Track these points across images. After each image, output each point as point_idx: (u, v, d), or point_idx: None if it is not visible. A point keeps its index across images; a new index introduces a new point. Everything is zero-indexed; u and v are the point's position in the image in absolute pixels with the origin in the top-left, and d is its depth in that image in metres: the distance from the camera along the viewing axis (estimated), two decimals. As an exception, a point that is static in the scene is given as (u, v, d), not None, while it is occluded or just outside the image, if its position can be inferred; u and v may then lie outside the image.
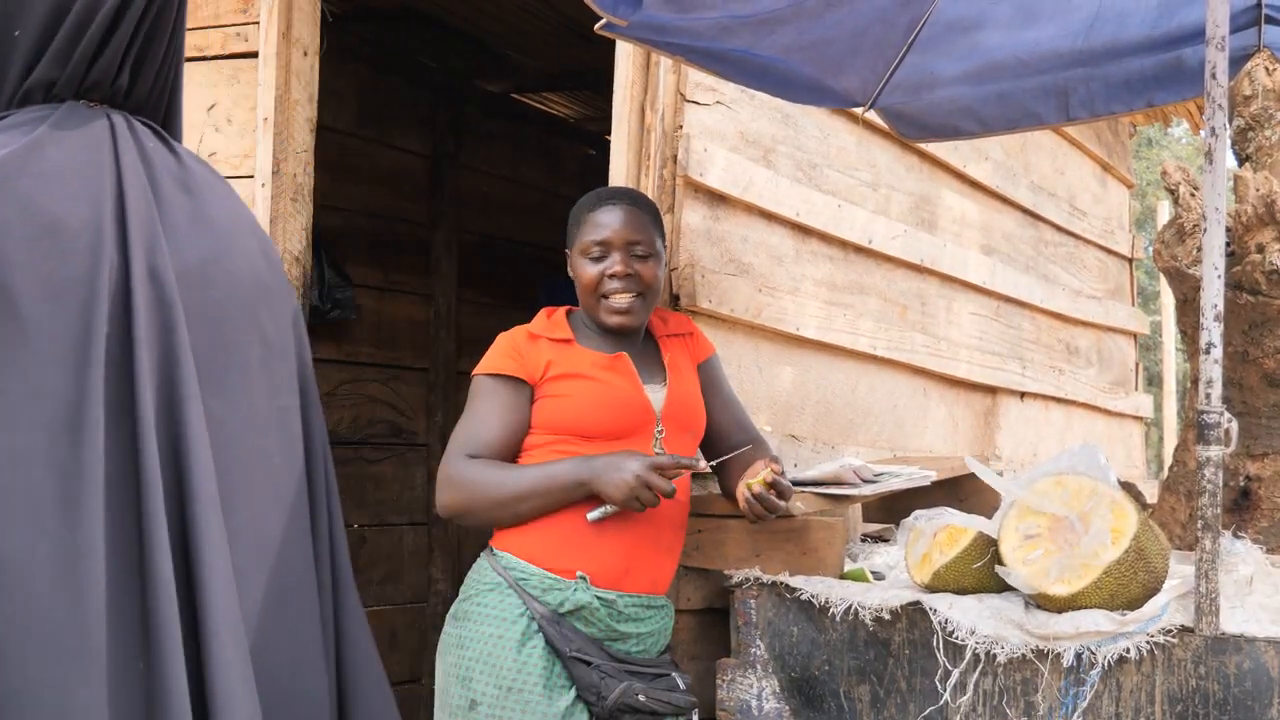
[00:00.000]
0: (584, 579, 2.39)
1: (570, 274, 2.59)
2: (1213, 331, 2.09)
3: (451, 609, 2.50)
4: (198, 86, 3.50)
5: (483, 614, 2.40)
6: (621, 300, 2.51)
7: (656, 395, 2.55)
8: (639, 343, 2.62)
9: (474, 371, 2.54)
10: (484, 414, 2.47)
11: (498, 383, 2.49)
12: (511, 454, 2.48)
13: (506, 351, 2.51)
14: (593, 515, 2.38)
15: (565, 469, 2.39)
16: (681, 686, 2.48)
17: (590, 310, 2.55)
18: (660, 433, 2.53)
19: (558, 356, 2.50)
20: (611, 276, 2.50)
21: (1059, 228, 5.19)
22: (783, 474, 2.49)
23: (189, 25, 3.49)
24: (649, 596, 2.48)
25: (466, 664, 2.37)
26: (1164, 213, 7.66)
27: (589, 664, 2.37)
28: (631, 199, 2.58)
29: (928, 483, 2.99)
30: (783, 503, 2.47)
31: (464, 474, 2.41)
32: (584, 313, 2.60)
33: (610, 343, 2.57)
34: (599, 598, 2.40)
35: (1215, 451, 2.07)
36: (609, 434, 2.47)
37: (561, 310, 2.63)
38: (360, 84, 5.30)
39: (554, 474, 2.39)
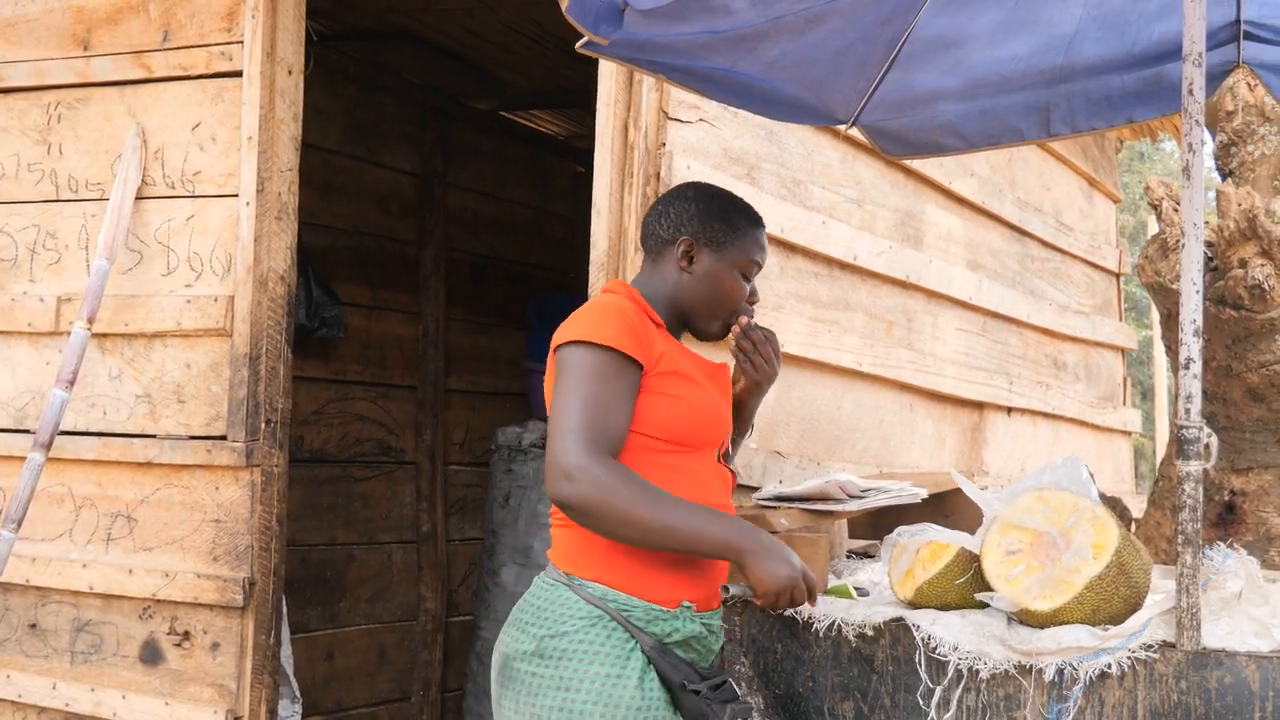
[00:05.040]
0: (689, 607, 2.24)
1: (690, 270, 2.35)
2: (1192, 347, 2.09)
3: (529, 646, 2.21)
4: (182, 105, 3.50)
5: (589, 651, 2.19)
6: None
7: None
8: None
9: (586, 336, 2.17)
10: (611, 401, 2.16)
11: (622, 362, 2.18)
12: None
13: (629, 328, 2.20)
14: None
15: (723, 530, 2.15)
16: (739, 690, 2.40)
17: (708, 319, 2.38)
18: (725, 451, 2.40)
19: (668, 349, 2.28)
20: (750, 301, 2.42)
21: (1045, 243, 5.21)
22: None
23: (174, 44, 3.52)
24: (719, 610, 2.37)
25: (580, 708, 2.16)
26: (1154, 227, 7.69)
27: (697, 692, 2.22)
28: None
29: (917, 499, 2.99)
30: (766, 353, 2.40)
31: (615, 480, 2.11)
32: (674, 309, 2.38)
33: (686, 343, 2.42)
34: (705, 624, 2.27)
35: (1195, 466, 2.07)
36: (696, 445, 2.28)
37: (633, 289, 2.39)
38: (348, 102, 5.31)
39: (712, 530, 2.15)
